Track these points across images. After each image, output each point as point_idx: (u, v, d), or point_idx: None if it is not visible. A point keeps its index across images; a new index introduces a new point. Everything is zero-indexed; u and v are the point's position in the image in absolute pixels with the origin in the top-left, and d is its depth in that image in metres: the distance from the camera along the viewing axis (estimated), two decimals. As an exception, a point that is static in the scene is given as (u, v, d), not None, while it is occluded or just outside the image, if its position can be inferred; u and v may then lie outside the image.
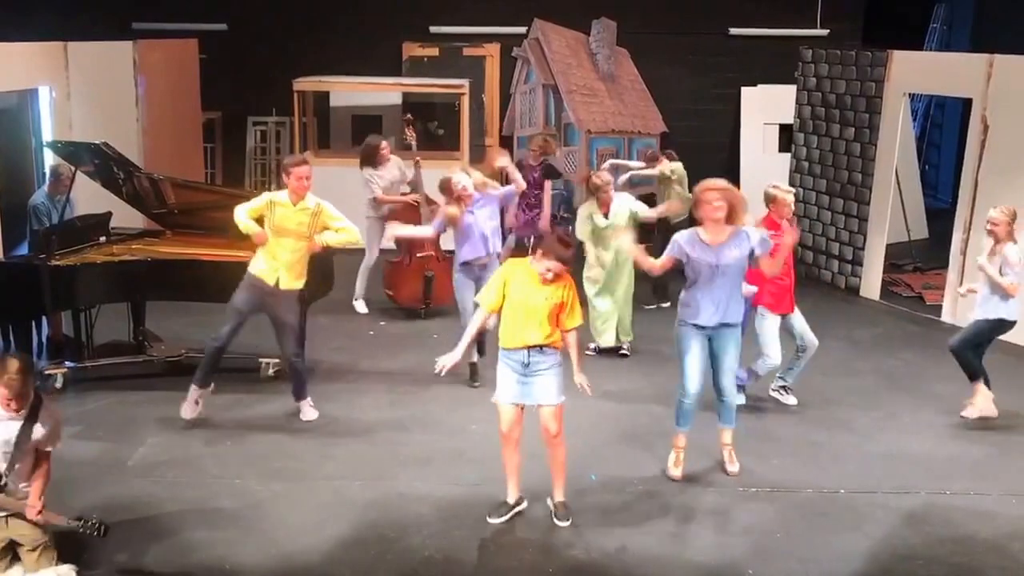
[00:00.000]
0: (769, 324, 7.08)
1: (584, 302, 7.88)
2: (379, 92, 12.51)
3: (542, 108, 12.30)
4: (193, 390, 6.77)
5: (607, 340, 8.28)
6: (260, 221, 6.61)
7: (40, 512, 4.83)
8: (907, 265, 11.33)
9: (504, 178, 8.55)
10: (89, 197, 8.36)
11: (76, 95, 10.09)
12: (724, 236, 5.90)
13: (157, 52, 11.03)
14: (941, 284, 9.79)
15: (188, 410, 6.78)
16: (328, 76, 12.11)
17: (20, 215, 8.87)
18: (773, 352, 7.11)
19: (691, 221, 10.30)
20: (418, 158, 9.23)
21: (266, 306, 6.70)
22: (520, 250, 9.88)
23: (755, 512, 5.83)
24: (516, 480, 5.69)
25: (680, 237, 5.99)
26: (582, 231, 8.19)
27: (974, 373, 7.11)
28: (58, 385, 7.36)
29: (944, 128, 14.87)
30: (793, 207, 7.16)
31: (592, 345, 8.32)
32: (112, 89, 10.34)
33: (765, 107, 12.67)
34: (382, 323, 9.19)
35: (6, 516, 4.85)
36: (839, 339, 8.88)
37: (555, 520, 5.64)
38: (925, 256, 11.52)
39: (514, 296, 5.43)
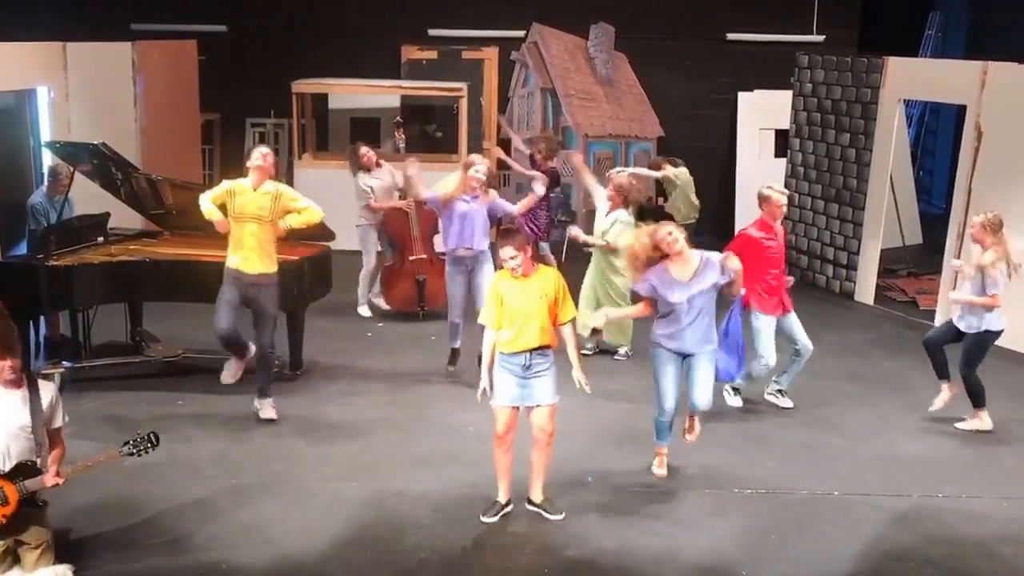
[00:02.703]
0: (764, 325, 7.11)
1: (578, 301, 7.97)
2: (378, 95, 12.52)
3: (540, 112, 12.34)
4: (233, 362, 6.93)
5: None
6: (223, 210, 6.67)
7: (59, 475, 4.89)
8: (901, 270, 11.38)
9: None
10: (87, 197, 8.37)
11: (75, 95, 10.11)
12: (692, 269, 5.92)
13: (156, 53, 11.05)
14: (935, 289, 9.82)
15: (227, 375, 6.93)
16: (327, 78, 12.12)
17: (18, 215, 8.88)
18: (768, 353, 7.14)
19: (697, 221, 10.44)
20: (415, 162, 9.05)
21: (248, 298, 6.74)
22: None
23: (750, 513, 5.86)
24: (508, 481, 5.73)
25: (652, 276, 5.95)
26: (628, 237, 7.70)
27: (941, 372, 7.18)
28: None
29: (939, 134, 14.93)
30: (785, 209, 7.21)
31: (589, 345, 8.36)
32: (111, 90, 10.36)
33: (761, 112, 12.71)
34: (380, 325, 9.21)
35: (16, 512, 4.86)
36: (833, 343, 8.92)
37: (548, 516, 5.69)
38: (919, 261, 11.57)
39: (512, 304, 5.49)
